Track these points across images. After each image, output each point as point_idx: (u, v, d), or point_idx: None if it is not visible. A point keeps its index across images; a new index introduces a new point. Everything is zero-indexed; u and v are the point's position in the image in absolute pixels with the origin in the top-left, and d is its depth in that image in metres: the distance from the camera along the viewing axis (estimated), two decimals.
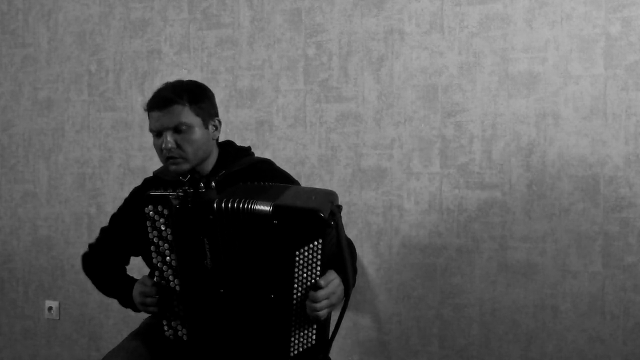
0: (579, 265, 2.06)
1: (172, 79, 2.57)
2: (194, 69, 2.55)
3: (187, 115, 1.50)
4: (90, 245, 1.78)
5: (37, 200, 2.85)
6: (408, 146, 2.25)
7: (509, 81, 2.13)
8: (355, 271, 1.49)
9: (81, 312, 2.77)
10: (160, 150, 1.53)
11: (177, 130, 1.50)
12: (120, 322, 2.70)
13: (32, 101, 2.86)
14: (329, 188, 2.35)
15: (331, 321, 1.45)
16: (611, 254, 2.02)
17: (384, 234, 2.29)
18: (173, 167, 1.53)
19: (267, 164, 1.68)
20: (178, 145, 1.50)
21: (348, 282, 1.36)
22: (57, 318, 2.82)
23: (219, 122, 1.61)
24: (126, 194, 2.66)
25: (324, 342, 1.40)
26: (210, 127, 1.57)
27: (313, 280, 1.29)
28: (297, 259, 1.28)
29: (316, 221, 1.25)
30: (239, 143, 2.46)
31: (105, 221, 2.71)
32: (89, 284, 2.74)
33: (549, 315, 2.09)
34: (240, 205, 1.29)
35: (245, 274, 1.33)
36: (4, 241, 2.93)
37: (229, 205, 1.30)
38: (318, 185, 2.36)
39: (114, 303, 2.68)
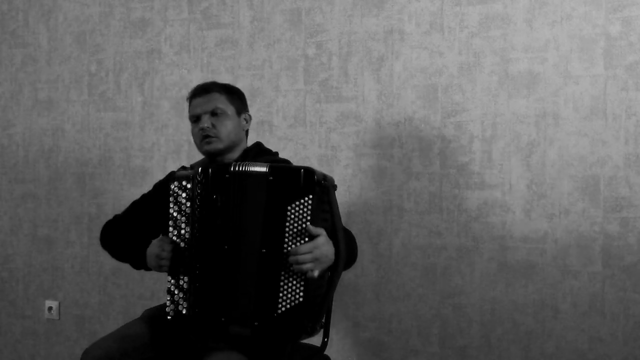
0: (579, 265, 2.06)
1: (172, 78, 2.58)
2: (194, 69, 2.56)
3: (223, 102, 1.73)
4: (116, 216, 1.87)
5: (37, 200, 2.85)
6: (408, 146, 2.25)
7: (509, 81, 2.13)
8: (351, 250, 1.59)
9: (81, 312, 2.78)
10: (197, 133, 1.72)
11: (213, 113, 1.71)
12: (120, 322, 2.70)
13: (32, 101, 2.86)
14: None
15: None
16: (611, 254, 2.02)
17: (384, 234, 2.29)
18: (207, 147, 1.71)
19: (285, 162, 1.78)
20: (214, 126, 1.70)
21: (338, 246, 1.46)
22: (57, 318, 2.82)
23: (249, 116, 1.82)
24: (126, 194, 2.67)
25: (313, 307, 1.46)
26: (242, 118, 1.78)
27: (302, 235, 1.42)
28: (289, 213, 1.42)
29: (307, 177, 1.42)
30: None
31: (104, 221, 2.72)
32: (89, 284, 2.75)
33: (549, 315, 2.09)
34: (245, 168, 1.49)
35: (245, 230, 1.47)
36: (4, 241, 2.93)
37: (239, 167, 1.50)
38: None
39: (113, 303, 2.69)
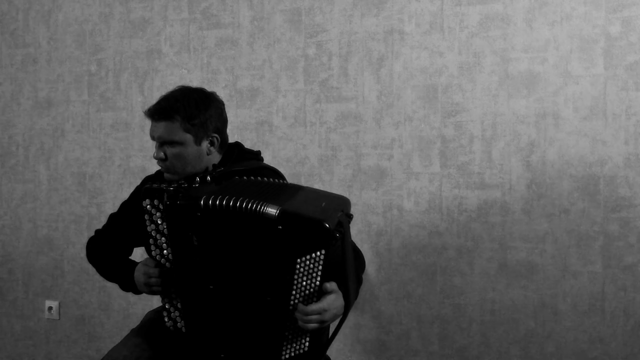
0: (579, 265, 2.06)
1: (172, 79, 2.58)
2: (194, 69, 2.55)
3: (177, 133, 1.50)
4: (97, 231, 1.78)
5: (37, 200, 2.85)
6: (408, 146, 2.25)
7: (509, 81, 2.13)
8: (360, 282, 1.46)
9: (81, 312, 2.77)
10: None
11: (167, 143, 1.53)
12: (120, 322, 2.70)
13: (32, 101, 2.86)
14: (329, 188, 2.35)
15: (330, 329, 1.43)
16: (611, 254, 2.02)
17: (384, 234, 2.28)
18: (165, 175, 1.57)
19: (272, 172, 1.64)
20: (167, 157, 1.53)
21: (348, 296, 1.32)
22: (57, 318, 2.82)
23: (217, 138, 1.57)
24: (126, 194, 2.67)
25: (318, 350, 1.39)
26: (204, 143, 1.55)
27: (312, 289, 1.27)
28: (298, 266, 1.25)
29: (322, 232, 1.22)
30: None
31: (104, 221, 2.72)
32: (89, 284, 2.75)
33: (549, 315, 2.09)
34: (240, 205, 1.26)
35: (238, 273, 1.31)
36: (4, 241, 2.93)
37: (219, 203, 1.27)
38: (317, 185, 2.36)
39: (113, 303, 2.69)
